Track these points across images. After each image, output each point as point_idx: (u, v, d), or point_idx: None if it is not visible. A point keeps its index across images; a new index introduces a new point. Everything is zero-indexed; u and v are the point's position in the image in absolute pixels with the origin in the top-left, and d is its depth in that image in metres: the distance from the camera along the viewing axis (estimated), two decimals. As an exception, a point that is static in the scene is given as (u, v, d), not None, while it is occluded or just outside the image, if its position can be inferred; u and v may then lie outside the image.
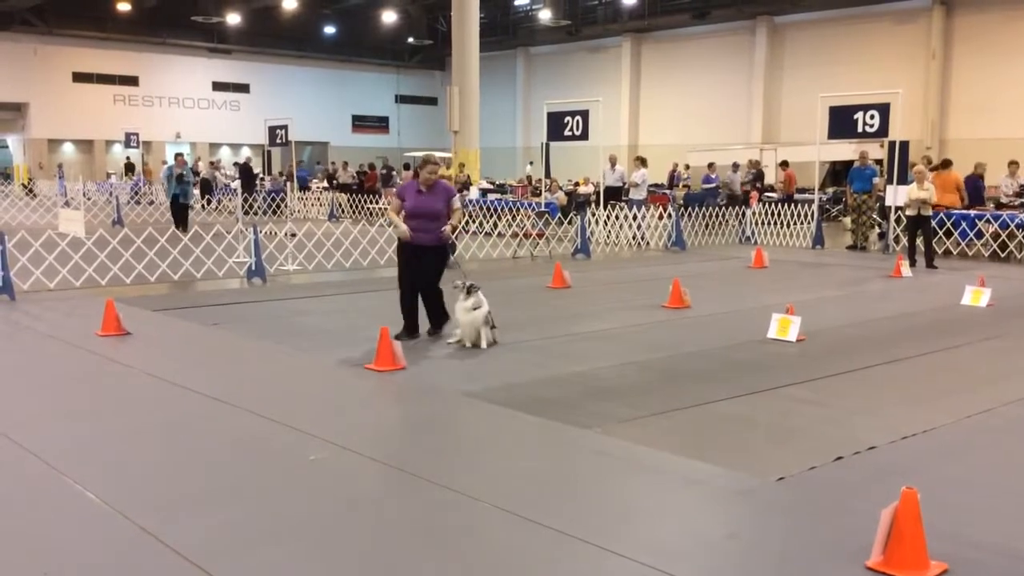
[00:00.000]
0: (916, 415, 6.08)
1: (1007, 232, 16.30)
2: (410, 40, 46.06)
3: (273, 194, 27.14)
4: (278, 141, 23.32)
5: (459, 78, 23.37)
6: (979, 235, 16.81)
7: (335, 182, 30.49)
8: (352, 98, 47.32)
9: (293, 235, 14.99)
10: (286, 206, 24.48)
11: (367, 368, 7.29)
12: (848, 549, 3.82)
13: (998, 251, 16.24)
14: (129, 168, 37.51)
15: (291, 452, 5.23)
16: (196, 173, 27.39)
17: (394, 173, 29.13)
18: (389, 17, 42.68)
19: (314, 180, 32.47)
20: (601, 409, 6.22)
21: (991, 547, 3.95)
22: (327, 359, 7.84)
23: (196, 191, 26.75)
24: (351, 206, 26.60)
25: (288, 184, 25.75)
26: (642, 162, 20.63)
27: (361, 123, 47.84)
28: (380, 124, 48.59)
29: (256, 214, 26.11)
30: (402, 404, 6.59)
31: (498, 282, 13.20)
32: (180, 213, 20.21)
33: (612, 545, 3.92)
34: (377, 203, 25.15)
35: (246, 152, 43.58)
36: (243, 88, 44.45)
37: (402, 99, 49.18)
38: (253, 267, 12.78)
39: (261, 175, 30.42)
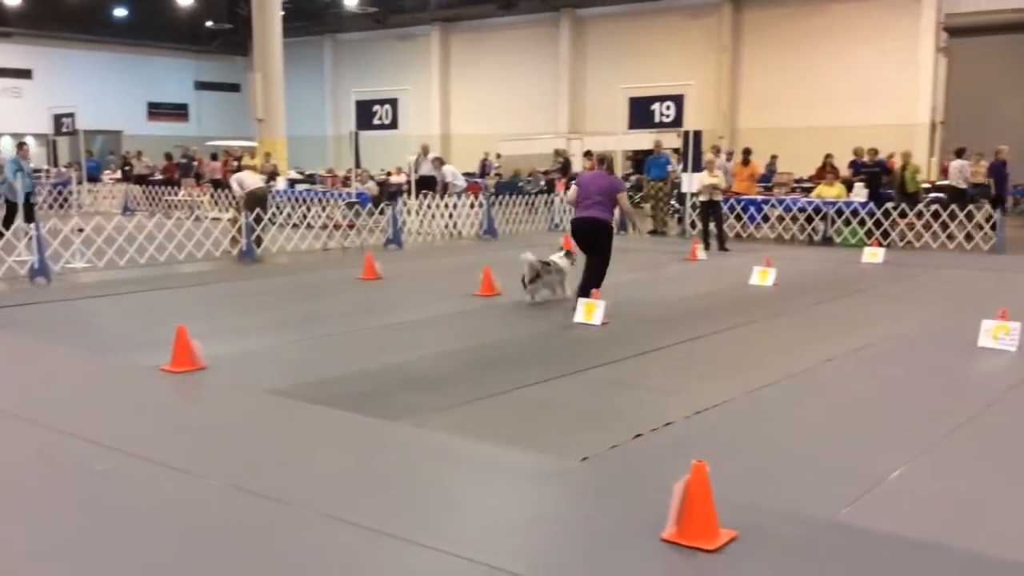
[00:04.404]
0: (710, 390, 6.41)
1: (790, 215, 17.54)
2: (209, 24, 44.05)
3: (60, 187, 25.27)
4: (64, 130, 21.77)
5: (262, 64, 22.59)
6: (766, 219, 17.98)
7: (130, 173, 28.74)
8: (147, 84, 44.73)
9: (80, 230, 14.00)
10: (73, 199, 22.91)
11: (163, 370, 6.90)
12: (645, 523, 3.96)
13: (783, 233, 17.45)
14: None
15: (78, 463, 4.87)
16: None
17: (194, 163, 27.80)
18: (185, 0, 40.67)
19: (107, 172, 30.51)
20: (413, 401, 6.18)
21: (778, 513, 4.21)
22: (120, 362, 7.38)
23: None
24: (147, 198, 25.16)
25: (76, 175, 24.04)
26: (440, 162, 20.73)
27: (157, 110, 45.31)
28: (178, 111, 46.20)
29: (40, 208, 24.20)
30: (201, 406, 6.29)
31: (307, 274, 12.90)
32: (28, 210, 17.76)
33: (423, 538, 3.89)
34: (176, 195, 23.92)
35: (31, 143, 40.31)
36: (25, 74, 41.08)
37: (202, 85, 46.96)
38: (36, 266, 11.85)
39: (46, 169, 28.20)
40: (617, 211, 10.17)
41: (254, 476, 4.67)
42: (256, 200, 15.32)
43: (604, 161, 10.13)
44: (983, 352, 7.63)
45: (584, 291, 9.40)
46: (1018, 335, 7.64)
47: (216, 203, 22.59)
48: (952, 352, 7.73)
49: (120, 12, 42.92)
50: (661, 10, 33.47)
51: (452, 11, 38.32)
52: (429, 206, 18.59)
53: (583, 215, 9.70)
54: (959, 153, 18.67)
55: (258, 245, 14.87)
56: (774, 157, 25.03)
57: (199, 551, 3.82)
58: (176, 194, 23.99)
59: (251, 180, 15.77)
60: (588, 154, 26.61)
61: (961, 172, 18.32)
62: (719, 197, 15.85)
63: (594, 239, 9.70)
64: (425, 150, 21.43)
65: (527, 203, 20.66)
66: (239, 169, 23.13)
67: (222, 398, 6.36)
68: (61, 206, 24.40)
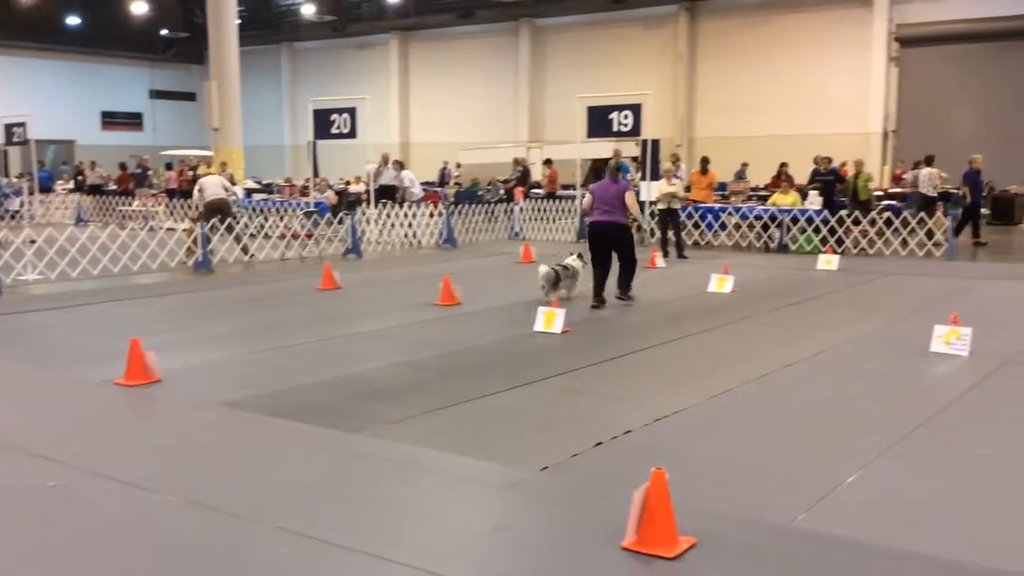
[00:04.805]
0: (669, 397, 6.44)
1: (747, 223, 17.74)
2: (164, 32, 43.53)
3: (11, 197, 24.78)
4: (15, 140, 21.34)
5: (217, 73, 22.35)
6: (723, 226, 18.15)
7: (83, 183, 28.27)
8: (101, 93, 44.05)
9: (32, 242, 13.73)
10: (25, 210, 22.47)
11: (117, 384, 6.78)
12: (606, 531, 3.96)
13: (740, 241, 17.64)
14: None
15: (30, 479, 4.75)
16: None
17: (150, 173, 27.42)
18: (140, 8, 40.12)
19: (59, 182, 29.99)
20: (372, 412, 6.14)
21: (734, 519, 4.24)
22: (72, 376, 7.23)
23: None
24: (101, 209, 24.74)
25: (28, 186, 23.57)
26: (400, 165, 20.85)
27: (112, 120, 44.64)
28: (133, 121, 45.55)
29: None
30: (156, 419, 6.18)
31: (264, 285, 12.77)
32: None
33: (382, 551, 3.85)
34: (130, 205, 23.58)
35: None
36: (-25, 83, 40.26)
37: (157, 94, 46.34)
38: (-14, 278, 11.61)
39: None
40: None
41: (209, 490, 4.60)
42: (213, 210, 15.21)
43: (611, 169, 11.21)
44: (936, 357, 7.75)
45: (623, 286, 10.71)
46: (969, 340, 7.78)
47: (171, 213, 22.31)
48: (906, 357, 7.85)
49: (73, 20, 42.29)
50: (618, 20, 33.71)
51: (411, 20, 38.25)
52: (388, 215, 18.51)
53: (600, 219, 10.66)
54: (928, 161, 18.95)
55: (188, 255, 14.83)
56: (745, 165, 25.30)
57: (152, 567, 3.75)
58: (131, 204, 23.66)
59: (212, 189, 15.63)
60: (548, 162, 26.66)
61: (930, 180, 18.61)
62: (677, 205, 15.97)
63: (614, 241, 10.66)
64: (385, 159, 21.36)
65: (487, 212, 20.67)
66: (195, 179, 22.90)
67: (177, 411, 6.26)
68: (12, 217, 23.94)
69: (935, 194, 18.64)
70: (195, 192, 16.06)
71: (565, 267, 11.02)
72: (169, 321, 9.93)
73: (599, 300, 10.48)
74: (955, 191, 19.28)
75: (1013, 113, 26.14)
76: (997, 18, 26.09)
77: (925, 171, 18.84)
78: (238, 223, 15.88)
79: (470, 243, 18.81)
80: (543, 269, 10.93)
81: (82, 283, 12.71)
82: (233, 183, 21.07)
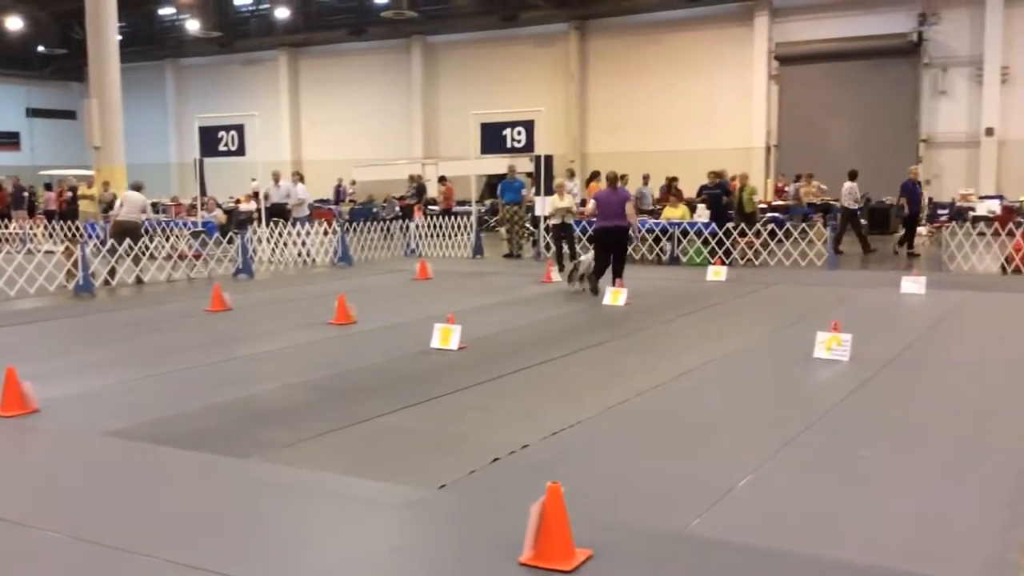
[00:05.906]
0: (565, 411, 6.49)
1: (639, 236, 18.06)
2: (41, 49, 41.78)
3: None
4: None
5: (98, 90, 21.53)
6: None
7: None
8: (-26, 112, 42.07)
9: None
10: None
11: (-10, 415, 6.43)
12: (503, 547, 3.95)
13: (633, 253, 17.94)
14: None
15: None
16: None
17: (25, 194, 26.24)
18: (14, 24, 38.40)
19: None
20: (263, 436, 5.98)
21: (631, 529, 4.29)
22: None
23: None
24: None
25: None
26: (300, 177, 20.58)
27: (-15, 140, 42.63)
28: (10, 140, 43.54)
29: None
30: (34, 452, 5.88)
31: (150, 308, 12.34)
32: None
33: (273, 578, 3.75)
34: (7, 227, 22.48)
35: None
36: None
37: (35, 112, 44.45)
38: None
39: None
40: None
41: (93, 524, 4.39)
42: (122, 232, 14.85)
43: (611, 179, 12.80)
44: (819, 363, 8.05)
45: (616, 274, 12.48)
46: (850, 346, 8.11)
47: (51, 235, 21.38)
48: (791, 364, 8.13)
49: (-59, 35, 40.19)
50: (510, 38, 34.03)
51: (300, 36, 37.73)
52: (281, 234, 18.15)
53: (604, 225, 12.45)
54: (852, 176, 19.63)
55: (112, 277, 14.51)
56: (671, 179, 25.57)
57: (28, 610, 3.55)
58: (7, 227, 22.57)
59: (129, 207, 15.46)
60: (443, 179, 26.69)
61: (851, 193, 19.27)
62: (571, 220, 16.16)
63: (616, 243, 12.49)
64: (276, 177, 20.95)
65: (382, 229, 20.50)
66: (74, 199, 22.05)
67: (57, 443, 5.97)
68: None
69: (856, 207, 19.35)
70: (116, 205, 16.19)
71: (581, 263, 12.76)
72: (48, 348, 9.49)
73: (595, 288, 12.45)
74: (836, 203, 20.09)
75: (883, 127, 27.54)
76: (868, 36, 27.47)
77: (847, 184, 19.44)
78: (121, 244, 15.31)
79: (366, 261, 18.63)
80: (588, 257, 12.82)
81: (-49, 310, 12.03)
82: (113, 203, 20.40)
